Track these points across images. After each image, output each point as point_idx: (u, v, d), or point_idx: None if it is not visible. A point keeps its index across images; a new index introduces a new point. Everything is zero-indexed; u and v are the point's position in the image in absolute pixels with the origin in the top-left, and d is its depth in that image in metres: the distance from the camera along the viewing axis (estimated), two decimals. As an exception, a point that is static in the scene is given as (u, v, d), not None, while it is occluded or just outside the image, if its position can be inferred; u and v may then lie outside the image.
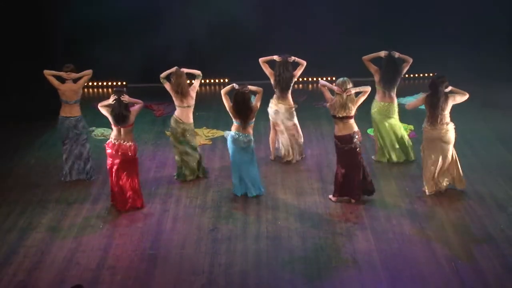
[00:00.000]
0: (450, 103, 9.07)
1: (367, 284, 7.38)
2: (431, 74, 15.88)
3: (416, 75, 15.75)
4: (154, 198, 9.52)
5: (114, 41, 14.33)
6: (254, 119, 9.33)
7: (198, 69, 10.15)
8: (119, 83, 15.34)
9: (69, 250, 8.13)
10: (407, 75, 15.57)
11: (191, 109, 9.94)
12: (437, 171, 9.30)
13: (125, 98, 8.89)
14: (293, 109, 10.49)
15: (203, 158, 10.32)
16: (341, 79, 8.98)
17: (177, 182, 10.04)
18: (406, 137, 10.59)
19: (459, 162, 9.37)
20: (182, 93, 9.80)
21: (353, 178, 9.11)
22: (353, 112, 8.96)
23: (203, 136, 11.98)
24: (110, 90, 15.31)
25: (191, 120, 9.98)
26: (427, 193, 9.37)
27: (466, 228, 8.57)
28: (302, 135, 10.74)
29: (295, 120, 10.58)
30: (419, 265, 7.70)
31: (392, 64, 10.21)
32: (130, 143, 9.02)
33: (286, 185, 9.91)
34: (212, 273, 7.61)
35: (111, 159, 9.05)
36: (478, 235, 8.36)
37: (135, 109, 9.01)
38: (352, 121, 9.02)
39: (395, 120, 10.44)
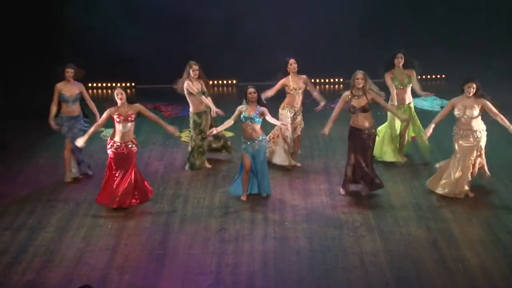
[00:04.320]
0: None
1: (373, 285, 7.40)
2: (438, 76, 15.93)
3: (424, 76, 15.76)
4: (162, 199, 9.57)
5: (122, 42, 14.42)
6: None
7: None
8: (128, 84, 15.42)
9: (78, 250, 8.19)
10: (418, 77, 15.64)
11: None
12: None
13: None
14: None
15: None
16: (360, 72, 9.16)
17: (185, 183, 10.09)
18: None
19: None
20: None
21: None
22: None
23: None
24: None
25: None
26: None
27: (472, 229, 8.58)
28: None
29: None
30: (425, 266, 7.72)
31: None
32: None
33: (293, 186, 9.94)
34: (219, 273, 7.65)
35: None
36: (484, 236, 8.37)
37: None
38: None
39: None
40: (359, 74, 9.12)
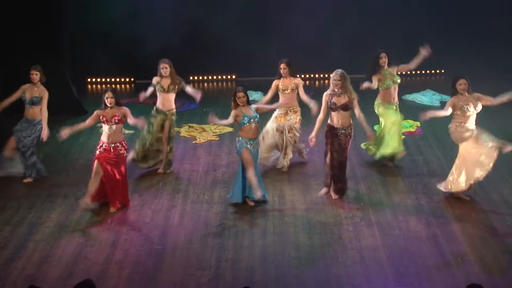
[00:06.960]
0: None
1: (373, 279, 7.41)
2: (437, 71, 15.94)
3: (423, 71, 15.77)
4: (161, 194, 9.57)
5: (122, 37, 14.41)
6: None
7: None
8: (128, 79, 15.43)
9: (77, 245, 8.19)
10: (413, 72, 15.64)
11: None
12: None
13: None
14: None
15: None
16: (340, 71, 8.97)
17: (184, 178, 10.10)
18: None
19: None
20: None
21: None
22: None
23: (210, 132, 12.02)
24: (118, 86, 15.41)
25: None
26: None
27: (472, 224, 8.59)
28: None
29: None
30: (425, 261, 7.73)
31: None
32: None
33: (292, 181, 9.95)
34: (219, 268, 7.66)
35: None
36: (484, 231, 8.38)
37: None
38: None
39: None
40: (337, 75, 8.90)
